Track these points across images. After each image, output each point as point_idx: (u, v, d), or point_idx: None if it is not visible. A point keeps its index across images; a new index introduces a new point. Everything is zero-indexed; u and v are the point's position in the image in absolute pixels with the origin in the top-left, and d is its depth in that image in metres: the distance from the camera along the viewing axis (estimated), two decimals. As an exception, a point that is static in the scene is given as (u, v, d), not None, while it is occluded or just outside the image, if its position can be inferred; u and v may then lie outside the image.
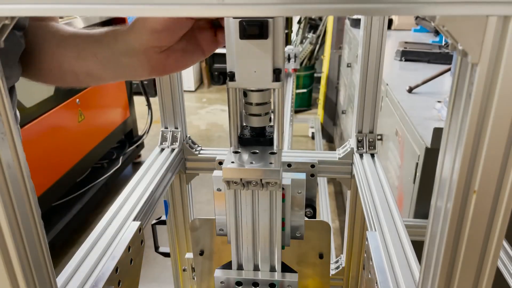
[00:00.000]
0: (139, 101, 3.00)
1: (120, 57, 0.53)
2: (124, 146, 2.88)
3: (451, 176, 0.31)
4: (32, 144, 1.88)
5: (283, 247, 0.65)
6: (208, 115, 4.22)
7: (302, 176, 0.64)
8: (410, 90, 1.45)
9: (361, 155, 0.87)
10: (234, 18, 0.48)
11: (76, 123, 2.23)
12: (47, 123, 1.97)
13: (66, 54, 0.55)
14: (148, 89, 2.77)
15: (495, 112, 0.28)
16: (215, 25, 0.55)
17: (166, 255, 0.99)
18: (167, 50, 0.52)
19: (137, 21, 0.51)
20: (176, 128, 0.91)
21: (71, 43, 0.55)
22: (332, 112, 3.39)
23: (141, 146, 3.02)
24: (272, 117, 0.58)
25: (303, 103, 4.23)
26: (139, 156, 3.13)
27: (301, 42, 4.10)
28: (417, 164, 1.17)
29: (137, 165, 3.07)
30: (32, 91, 1.82)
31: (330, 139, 3.46)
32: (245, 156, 0.57)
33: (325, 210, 2.13)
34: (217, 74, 4.96)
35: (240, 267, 0.66)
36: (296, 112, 3.94)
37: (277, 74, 0.51)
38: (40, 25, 0.57)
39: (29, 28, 0.55)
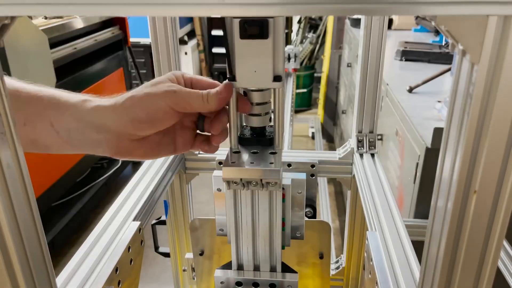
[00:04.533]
0: (139, 101, 3.00)
1: (87, 132, 0.48)
2: (124, 146, 2.88)
3: (451, 176, 0.31)
4: (32, 144, 1.88)
5: (283, 247, 0.65)
6: (208, 115, 4.21)
7: (302, 176, 0.64)
8: (410, 90, 1.45)
9: (361, 155, 0.87)
10: (234, 18, 0.48)
11: (76, 123, 2.22)
12: (47, 123, 1.96)
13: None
14: (148, 89, 2.76)
15: (495, 112, 0.28)
16: (199, 128, 0.54)
17: (166, 255, 0.99)
18: (141, 140, 0.50)
19: (122, 104, 0.48)
20: (176, 128, 0.91)
21: (14, 104, 0.43)
22: (332, 112, 3.39)
23: (141, 146, 3.01)
24: (272, 117, 0.58)
25: (303, 103, 4.23)
26: (139, 156, 3.13)
27: (301, 42, 4.11)
28: (417, 164, 1.17)
29: (137, 165, 3.06)
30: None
31: (330, 139, 3.46)
32: (245, 156, 0.57)
33: (325, 210, 2.13)
34: (217, 74, 4.96)
35: (240, 267, 0.66)
36: (296, 112, 3.94)
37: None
38: None
39: None
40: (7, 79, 0.46)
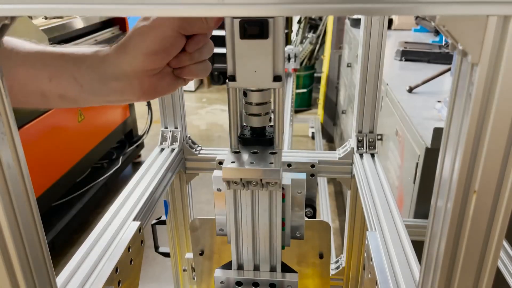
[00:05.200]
0: (139, 101, 3.00)
1: (107, 81, 0.49)
2: (124, 146, 2.88)
3: (451, 176, 0.31)
4: (32, 144, 1.88)
5: (283, 247, 0.65)
6: (208, 115, 4.22)
7: (302, 176, 0.64)
8: (410, 90, 1.45)
9: (361, 155, 0.87)
10: (234, 18, 0.48)
11: (76, 123, 2.23)
12: (47, 123, 1.97)
13: (33, 73, 0.49)
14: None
15: (495, 112, 0.28)
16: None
17: (166, 255, 0.99)
18: (159, 73, 0.50)
19: (130, 42, 0.48)
20: (176, 128, 0.91)
21: (39, 61, 0.49)
22: (332, 112, 3.39)
23: (141, 146, 3.02)
24: (272, 117, 0.58)
25: (303, 103, 4.23)
26: (139, 156, 3.13)
27: (301, 42, 4.10)
28: (417, 164, 1.17)
29: (137, 165, 3.07)
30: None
31: (330, 139, 3.46)
32: (245, 156, 0.57)
33: (325, 210, 2.13)
34: (217, 74, 4.96)
35: (240, 267, 0.66)
36: (296, 112, 3.94)
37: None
38: None
39: None
40: (29, 43, 0.50)
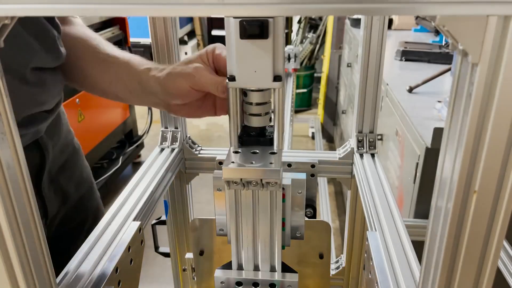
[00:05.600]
0: (139, 101, 3.00)
1: (148, 95, 0.65)
2: (124, 146, 2.88)
3: (451, 176, 0.31)
4: (32, 144, 1.88)
5: (283, 247, 0.65)
6: (208, 115, 4.21)
7: (302, 176, 0.64)
8: (410, 90, 1.45)
9: (361, 155, 0.87)
10: (234, 18, 0.48)
11: (76, 123, 2.23)
12: (47, 123, 1.96)
13: (101, 77, 0.67)
14: (148, 89, 2.76)
15: (495, 112, 0.28)
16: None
17: (166, 255, 0.99)
18: (184, 104, 0.64)
19: (164, 78, 0.61)
20: (176, 128, 0.91)
21: (107, 68, 0.66)
22: (332, 112, 3.39)
23: (141, 146, 3.02)
24: (272, 117, 0.58)
25: (303, 103, 4.23)
26: (139, 156, 3.13)
27: (301, 42, 4.11)
28: (417, 164, 1.17)
29: (137, 165, 3.07)
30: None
31: (330, 139, 3.46)
32: (245, 156, 0.57)
33: (325, 210, 2.13)
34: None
35: (240, 267, 0.66)
36: (296, 112, 3.94)
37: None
38: (80, 39, 0.68)
39: (66, 39, 0.67)
40: (102, 44, 0.69)
